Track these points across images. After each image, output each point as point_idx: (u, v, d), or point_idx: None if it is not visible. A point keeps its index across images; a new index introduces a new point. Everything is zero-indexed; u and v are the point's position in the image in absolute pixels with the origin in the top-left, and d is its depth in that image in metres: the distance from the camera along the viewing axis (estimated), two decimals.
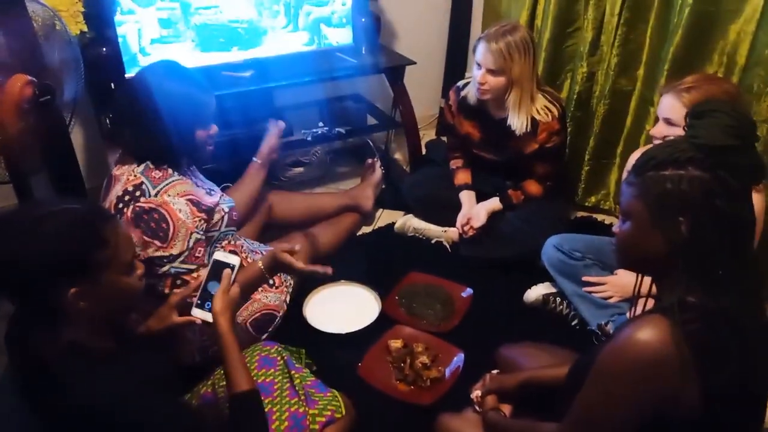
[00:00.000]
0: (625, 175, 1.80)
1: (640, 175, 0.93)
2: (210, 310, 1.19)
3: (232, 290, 1.21)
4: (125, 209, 1.39)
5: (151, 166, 1.44)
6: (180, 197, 1.43)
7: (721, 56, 1.99)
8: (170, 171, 1.46)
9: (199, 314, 1.21)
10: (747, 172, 0.89)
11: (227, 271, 1.21)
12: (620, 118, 2.30)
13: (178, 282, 1.45)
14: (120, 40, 2.03)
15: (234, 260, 1.23)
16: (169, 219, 1.40)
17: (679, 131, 1.50)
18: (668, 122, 1.55)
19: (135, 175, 1.42)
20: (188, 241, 1.44)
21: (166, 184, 1.44)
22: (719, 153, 0.87)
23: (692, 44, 2.01)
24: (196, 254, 1.47)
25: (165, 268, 1.43)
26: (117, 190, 1.42)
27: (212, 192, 1.59)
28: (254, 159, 2.01)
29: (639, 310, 1.71)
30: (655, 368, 0.87)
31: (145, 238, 1.39)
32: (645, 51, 2.16)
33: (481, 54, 1.94)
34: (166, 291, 1.45)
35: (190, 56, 2.15)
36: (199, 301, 1.22)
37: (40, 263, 0.93)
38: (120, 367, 0.99)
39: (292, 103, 2.60)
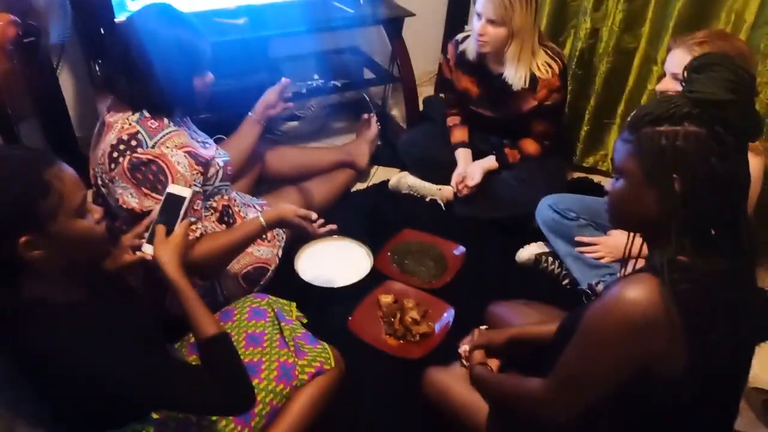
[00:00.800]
0: None
1: (635, 131, 0.90)
2: None
3: (175, 232, 1.16)
4: (121, 158, 1.36)
5: (147, 115, 1.40)
6: (178, 149, 1.40)
7: (729, 14, 1.94)
8: (166, 121, 1.42)
9: (149, 250, 1.17)
10: (744, 129, 0.87)
11: (166, 211, 1.18)
12: (622, 77, 2.25)
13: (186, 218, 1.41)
14: None
15: (185, 192, 1.20)
16: (167, 171, 1.37)
17: None
18: (676, 77, 1.50)
19: (130, 124, 1.38)
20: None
21: (164, 135, 1.40)
22: (716, 108, 0.85)
23: (699, 1, 1.94)
24: (194, 207, 1.45)
25: None
26: (111, 138, 1.38)
27: (207, 144, 1.55)
28: (249, 113, 1.93)
29: (630, 270, 1.73)
30: (642, 327, 0.86)
31: (143, 189, 1.37)
32: (651, 7, 2.09)
33: (481, 3, 1.88)
34: None
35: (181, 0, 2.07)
36: (150, 237, 1.18)
37: None
38: (82, 317, 0.96)
39: (288, 54, 2.53)
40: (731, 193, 0.89)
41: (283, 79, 1.89)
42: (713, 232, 0.89)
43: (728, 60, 0.88)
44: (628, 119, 0.94)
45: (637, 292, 0.86)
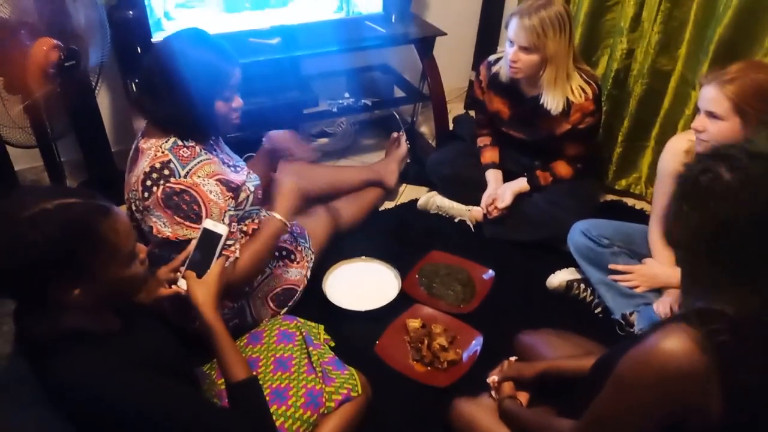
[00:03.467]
0: (662, 161, 1.73)
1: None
2: (199, 277, 1.18)
3: (211, 271, 1.18)
4: (154, 188, 1.38)
5: (180, 143, 1.42)
6: (209, 178, 1.41)
7: None
8: (197, 149, 1.44)
9: (184, 285, 1.18)
10: None
11: (202, 246, 1.20)
12: (658, 99, 2.20)
13: (221, 255, 1.43)
14: (146, 2, 1.99)
15: (222, 229, 1.22)
16: (200, 201, 1.39)
17: (723, 125, 1.44)
18: (711, 115, 1.46)
19: (163, 152, 1.40)
20: (224, 220, 1.43)
21: (196, 164, 1.41)
22: (753, 161, 0.82)
23: (741, 26, 1.89)
24: (231, 230, 1.46)
25: None
26: (143, 165, 1.40)
27: (238, 168, 1.57)
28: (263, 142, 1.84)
29: (668, 301, 1.68)
30: (678, 380, 0.84)
31: (177, 218, 1.38)
32: (689, 29, 2.04)
33: (513, 30, 1.86)
34: None
35: (215, 21, 2.11)
36: (186, 271, 1.20)
37: (34, 268, 0.87)
38: (115, 346, 0.97)
39: (319, 72, 2.55)
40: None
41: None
42: (752, 277, 0.86)
43: None
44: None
45: (675, 343, 0.84)
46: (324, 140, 2.58)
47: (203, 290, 1.16)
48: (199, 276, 1.20)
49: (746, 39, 1.91)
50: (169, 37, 1.47)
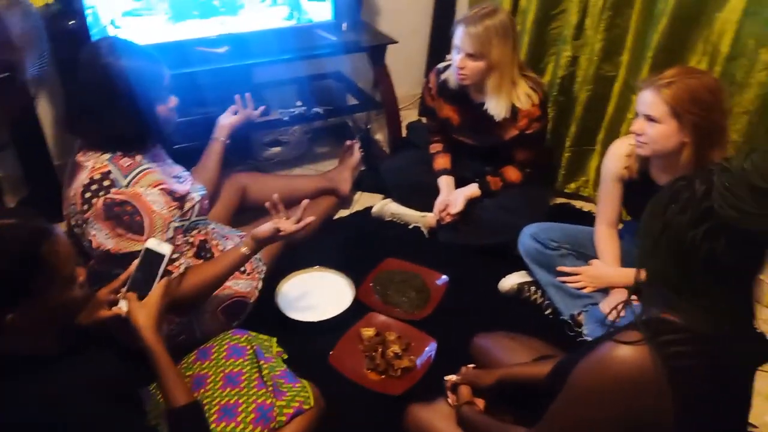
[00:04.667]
0: (605, 166, 1.78)
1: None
2: (141, 299, 1.16)
3: (152, 294, 1.16)
4: (94, 199, 1.34)
5: (119, 153, 1.38)
6: (152, 187, 1.38)
7: (705, 45, 1.96)
8: (138, 158, 1.40)
9: (125, 306, 1.16)
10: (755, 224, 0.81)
11: (144, 266, 1.17)
12: (602, 105, 2.27)
13: (164, 275, 1.40)
14: (89, 11, 1.94)
15: (165, 249, 1.19)
16: (142, 212, 1.35)
17: (661, 128, 1.49)
18: (649, 119, 1.52)
19: (102, 163, 1.36)
20: (168, 232, 1.40)
21: (137, 174, 1.38)
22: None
23: (677, 32, 1.97)
24: (176, 243, 1.43)
25: None
26: (82, 178, 1.36)
27: (181, 179, 1.54)
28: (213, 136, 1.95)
29: (613, 300, 1.72)
30: (630, 391, 0.85)
31: (118, 230, 1.35)
32: (629, 37, 2.12)
33: (459, 38, 1.89)
34: None
35: (162, 29, 2.07)
36: (127, 292, 1.17)
37: None
38: (51, 371, 0.94)
39: (270, 80, 2.53)
40: (749, 266, 0.85)
41: (232, 106, 1.98)
42: (717, 297, 0.86)
43: None
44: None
45: (627, 354, 0.84)
46: (277, 149, 2.55)
47: (144, 313, 1.14)
48: (141, 297, 1.17)
49: (682, 45, 2.00)
50: (88, 54, 1.38)
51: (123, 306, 1.16)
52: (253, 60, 2.18)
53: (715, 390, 0.87)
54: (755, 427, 1.52)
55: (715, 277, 0.85)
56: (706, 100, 1.46)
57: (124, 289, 1.18)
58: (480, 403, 1.34)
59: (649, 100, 1.50)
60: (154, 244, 1.21)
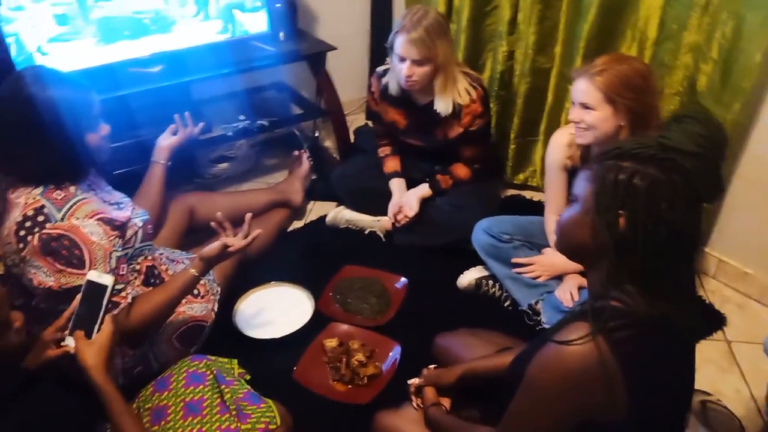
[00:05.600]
0: (548, 155, 1.83)
1: (601, 162, 0.91)
2: (88, 337, 1.12)
3: (100, 332, 1.12)
4: (29, 237, 1.28)
5: (51, 187, 1.33)
6: (89, 218, 1.33)
7: (633, 31, 2.03)
8: (72, 189, 1.35)
9: (72, 343, 1.12)
10: (703, 186, 0.87)
11: (88, 300, 1.13)
12: (541, 96, 2.32)
13: (110, 306, 1.36)
14: (11, 39, 1.86)
15: (107, 280, 1.15)
16: (81, 244, 1.30)
17: (597, 114, 1.54)
18: (584, 106, 1.56)
19: (34, 198, 1.30)
20: (110, 262, 1.35)
21: (72, 206, 1.33)
22: (681, 157, 0.85)
23: (605, 21, 2.04)
24: (120, 272, 1.39)
25: None
26: (15, 215, 1.30)
27: (121, 205, 1.49)
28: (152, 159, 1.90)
29: (567, 287, 1.77)
30: (580, 379, 0.86)
31: (58, 265, 1.29)
32: (561, 29, 2.17)
33: (402, 47, 1.89)
34: None
35: (92, 53, 2.00)
36: (72, 329, 1.13)
37: None
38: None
39: (210, 96, 2.48)
40: (675, 244, 0.88)
41: (171, 126, 1.93)
42: (653, 279, 0.88)
43: (705, 115, 0.89)
44: (599, 150, 0.93)
45: (575, 344, 0.86)
46: (224, 165, 2.51)
47: (92, 352, 1.10)
48: (88, 332, 1.13)
49: (611, 33, 2.06)
50: (11, 86, 1.31)
51: (70, 343, 1.12)
52: (190, 77, 2.13)
53: (662, 369, 0.90)
54: (710, 394, 1.58)
55: (661, 253, 0.87)
56: (637, 84, 1.51)
57: (70, 326, 1.14)
58: (446, 402, 1.35)
59: (583, 89, 1.55)
60: (95, 276, 1.17)
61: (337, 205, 2.32)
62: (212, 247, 1.46)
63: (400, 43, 1.89)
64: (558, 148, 1.77)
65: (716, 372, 1.74)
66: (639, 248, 0.86)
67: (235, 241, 1.48)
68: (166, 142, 1.90)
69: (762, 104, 1.82)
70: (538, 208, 2.30)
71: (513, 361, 1.12)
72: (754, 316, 1.94)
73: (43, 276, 1.30)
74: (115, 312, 1.35)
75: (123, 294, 1.38)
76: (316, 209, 2.40)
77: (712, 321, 1.89)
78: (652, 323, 0.88)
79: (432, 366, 1.45)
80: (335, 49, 2.40)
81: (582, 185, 0.93)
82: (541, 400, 0.91)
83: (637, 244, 0.86)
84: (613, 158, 0.89)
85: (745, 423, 1.54)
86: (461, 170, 2.18)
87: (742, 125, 1.84)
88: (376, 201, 2.22)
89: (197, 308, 1.64)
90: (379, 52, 2.90)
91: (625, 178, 0.86)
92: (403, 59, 1.91)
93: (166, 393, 1.36)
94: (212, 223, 1.52)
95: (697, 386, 1.57)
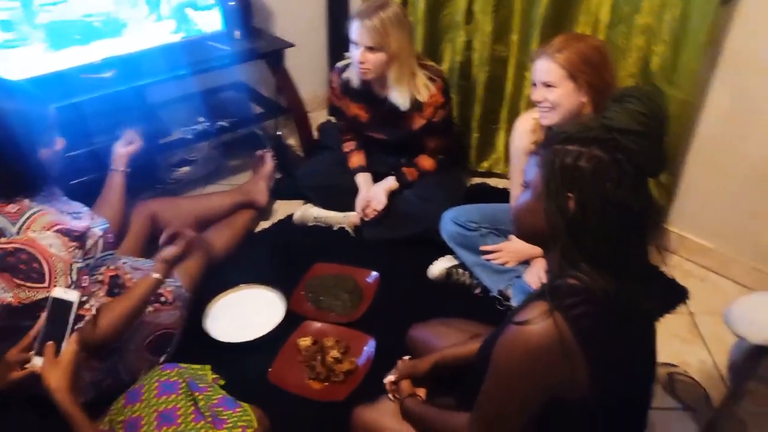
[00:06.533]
0: (512, 141, 1.85)
1: (548, 147, 0.93)
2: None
3: (64, 352, 1.10)
4: None
5: (3, 201, 1.28)
6: (47, 230, 1.29)
7: (587, 16, 2.07)
8: (26, 202, 1.31)
9: (39, 362, 1.10)
10: (646, 162, 0.90)
11: (53, 317, 1.11)
12: (501, 84, 2.34)
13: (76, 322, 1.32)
14: None
15: (72, 296, 1.13)
16: (39, 257, 1.26)
17: (559, 92, 1.57)
18: (546, 85, 1.58)
19: None
20: (71, 274, 1.31)
21: (27, 218, 1.28)
22: (623, 136, 0.88)
23: (559, 6, 2.07)
24: (83, 284, 1.35)
25: None
26: None
27: (79, 215, 1.44)
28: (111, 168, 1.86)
29: (535, 270, 1.80)
30: (542, 357, 0.88)
31: (16, 281, 1.25)
32: (516, 16, 2.19)
33: (356, 32, 1.90)
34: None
35: (41, 60, 1.93)
36: (38, 349, 1.11)
37: None
38: None
39: (167, 99, 2.43)
40: (624, 221, 0.90)
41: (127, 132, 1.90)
42: (605, 256, 0.91)
43: (645, 94, 0.92)
44: (545, 136, 0.95)
45: (534, 323, 0.88)
46: (185, 169, 2.46)
47: (56, 373, 1.07)
48: (56, 351, 1.10)
49: (565, 19, 2.10)
50: None
51: (37, 362, 1.10)
52: (144, 81, 2.08)
53: (622, 343, 0.93)
54: (675, 366, 1.63)
55: (612, 231, 0.90)
56: (595, 59, 1.56)
57: (36, 345, 1.11)
58: (421, 392, 1.36)
59: (544, 68, 1.58)
60: (60, 292, 1.14)
61: (304, 203, 2.30)
62: (171, 247, 1.47)
63: (355, 28, 1.90)
64: (522, 134, 1.80)
65: (681, 344, 1.80)
66: (590, 228, 0.90)
67: (190, 231, 1.51)
68: (123, 149, 1.85)
69: (710, 84, 1.88)
70: (504, 196, 2.32)
71: (481, 346, 1.14)
72: (715, 288, 2.01)
73: (1, 292, 1.26)
74: (80, 325, 1.31)
75: (87, 306, 1.35)
76: (282, 208, 2.37)
77: (675, 295, 1.95)
78: (609, 299, 0.91)
79: (406, 357, 1.46)
80: (293, 45, 2.38)
81: (532, 171, 0.96)
82: (508, 380, 0.93)
83: (588, 224, 0.89)
84: (560, 143, 0.92)
85: (710, 391, 1.60)
86: (426, 162, 2.18)
87: (693, 104, 1.90)
88: (343, 197, 2.22)
89: (165, 316, 1.61)
90: (337, 47, 2.87)
91: (571, 162, 0.89)
92: (357, 45, 1.91)
93: (138, 404, 1.34)
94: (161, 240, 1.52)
95: (662, 359, 1.64)
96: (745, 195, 1.92)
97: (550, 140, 0.94)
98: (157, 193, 2.32)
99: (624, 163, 0.88)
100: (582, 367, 0.88)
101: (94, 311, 1.35)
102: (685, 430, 1.41)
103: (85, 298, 1.34)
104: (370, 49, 1.90)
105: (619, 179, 0.88)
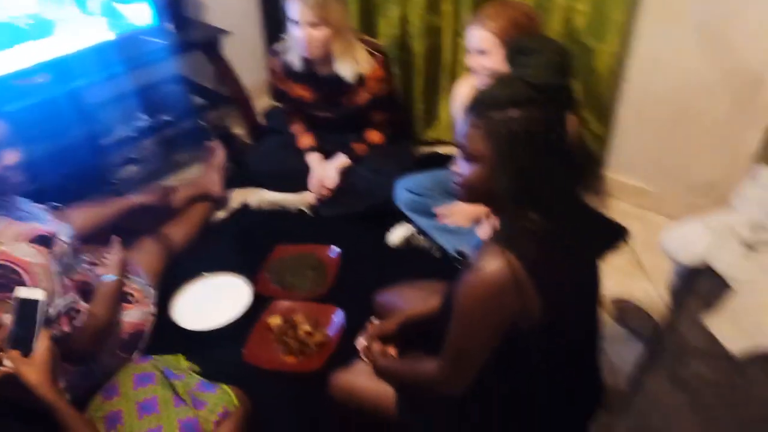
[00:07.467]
0: (453, 107, 1.92)
1: (483, 116, 0.96)
2: (25, 355, 1.10)
3: (37, 350, 1.11)
4: None
5: None
6: (17, 241, 1.29)
7: None
8: None
9: (11, 364, 1.11)
10: (568, 103, 0.99)
11: (21, 318, 1.12)
12: (437, 54, 2.40)
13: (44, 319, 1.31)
14: None
15: (38, 294, 1.14)
16: (16, 267, 1.25)
17: (494, 58, 1.63)
18: (482, 52, 1.65)
19: None
20: (52, 279, 1.32)
21: None
22: (551, 91, 0.95)
23: None
24: (65, 288, 1.36)
25: (51, 312, 1.30)
26: None
27: (45, 220, 1.44)
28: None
29: (488, 227, 1.88)
30: (499, 294, 0.96)
31: None
32: None
33: (297, 11, 1.91)
34: (65, 329, 1.35)
35: None
36: (8, 347, 1.12)
37: None
38: None
39: (105, 99, 2.37)
40: (563, 169, 0.99)
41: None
42: (548, 203, 0.99)
43: (549, 43, 1.00)
44: (472, 104, 0.99)
45: (489, 265, 0.96)
46: (132, 168, 2.42)
47: (34, 370, 1.08)
48: (26, 351, 1.10)
49: None
50: None
51: (8, 363, 1.10)
52: (80, 82, 2.03)
53: (566, 272, 1.01)
54: (622, 298, 1.75)
55: (554, 179, 0.98)
56: (526, 24, 1.63)
57: (5, 347, 1.11)
58: (392, 351, 1.42)
59: (478, 36, 1.64)
60: (24, 292, 1.14)
61: (258, 189, 2.31)
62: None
63: (294, 7, 1.90)
64: (462, 98, 1.86)
65: (625, 278, 1.93)
66: (535, 182, 0.97)
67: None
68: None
69: (633, 34, 1.99)
70: (450, 163, 2.40)
71: (444, 296, 1.21)
72: (653, 225, 2.15)
73: None
74: (76, 336, 1.35)
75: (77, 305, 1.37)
76: (238, 197, 2.38)
77: (617, 234, 2.08)
78: (554, 238, 1.00)
79: (374, 319, 1.52)
80: (229, 32, 2.36)
81: (474, 141, 0.98)
82: (470, 318, 1.01)
83: (533, 180, 0.97)
84: (495, 109, 0.95)
85: (655, 316, 1.73)
86: (374, 135, 2.23)
87: (620, 56, 2.01)
88: (296, 179, 2.24)
89: (133, 314, 1.61)
90: (272, 30, 2.86)
91: (516, 128, 0.94)
92: (297, 24, 1.91)
93: (116, 398, 1.35)
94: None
95: (609, 292, 1.76)
96: (672, 135, 2.06)
97: (482, 108, 0.97)
98: (107, 195, 2.28)
99: (552, 113, 0.96)
100: (534, 298, 0.97)
101: (85, 318, 1.37)
102: (634, 353, 1.53)
103: (71, 300, 1.36)
104: (313, 24, 1.91)
105: (554, 131, 0.96)
